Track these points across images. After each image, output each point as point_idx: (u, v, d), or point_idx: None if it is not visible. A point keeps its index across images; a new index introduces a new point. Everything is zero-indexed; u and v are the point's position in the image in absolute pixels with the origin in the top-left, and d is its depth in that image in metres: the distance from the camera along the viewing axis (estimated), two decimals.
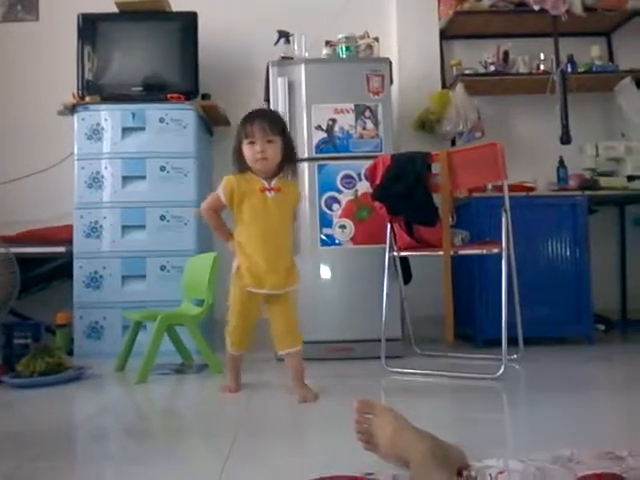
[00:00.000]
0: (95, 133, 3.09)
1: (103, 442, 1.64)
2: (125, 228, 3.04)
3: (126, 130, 3.09)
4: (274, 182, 2.05)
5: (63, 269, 3.14)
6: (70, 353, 2.92)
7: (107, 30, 3.22)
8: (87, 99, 3.12)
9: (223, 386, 2.14)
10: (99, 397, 2.21)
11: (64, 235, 3.11)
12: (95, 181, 3.06)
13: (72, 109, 3.12)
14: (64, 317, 3.00)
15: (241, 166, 2.06)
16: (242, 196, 2.03)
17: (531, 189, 3.14)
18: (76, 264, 3.02)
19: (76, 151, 3.09)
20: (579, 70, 3.41)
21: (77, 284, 3.01)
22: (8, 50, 3.61)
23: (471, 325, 2.94)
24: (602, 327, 3.17)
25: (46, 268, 3.19)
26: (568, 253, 2.96)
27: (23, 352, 2.41)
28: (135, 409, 2.11)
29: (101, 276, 3.01)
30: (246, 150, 2.02)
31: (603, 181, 3.17)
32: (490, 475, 1.07)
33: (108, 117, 3.09)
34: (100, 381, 2.42)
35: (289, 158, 2.09)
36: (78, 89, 3.15)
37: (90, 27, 3.19)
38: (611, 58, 3.62)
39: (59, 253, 3.11)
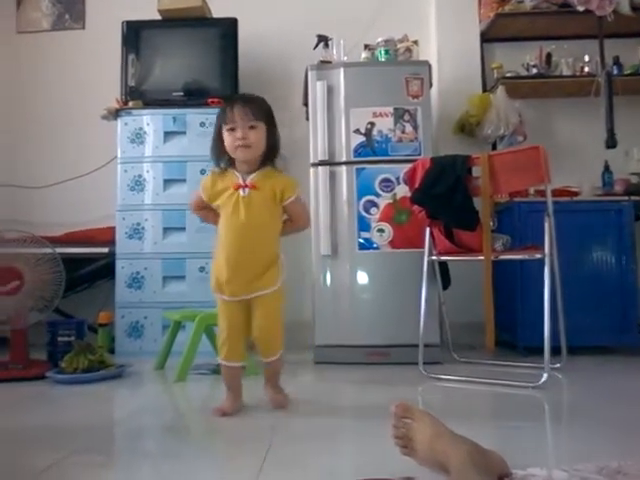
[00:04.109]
0: (138, 137, 3.16)
1: (141, 438, 1.67)
2: (166, 230, 3.10)
3: (168, 134, 3.15)
4: (252, 177, 1.84)
5: (106, 269, 3.22)
6: (111, 351, 2.99)
7: (150, 37, 3.30)
8: (130, 104, 3.20)
9: (215, 407, 1.82)
10: (138, 394, 2.24)
11: (107, 236, 3.19)
12: (137, 184, 3.13)
13: (115, 114, 3.20)
14: (106, 316, 3.07)
15: (219, 156, 1.88)
16: (216, 195, 1.87)
17: (575, 194, 3.07)
18: (118, 265, 3.09)
19: (119, 155, 3.17)
20: (625, 72, 3.31)
21: (119, 284, 3.08)
22: (56, 57, 3.74)
23: (512, 332, 2.88)
24: None
25: (90, 268, 3.27)
26: (613, 260, 2.87)
27: (66, 349, 2.49)
28: (173, 407, 2.14)
29: (142, 277, 3.07)
30: (226, 137, 1.83)
31: None
32: None
33: (150, 122, 3.16)
34: (140, 379, 2.46)
35: (272, 148, 1.86)
36: (121, 94, 3.23)
37: (134, 34, 3.27)
38: None
39: (102, 254, 3.19)
